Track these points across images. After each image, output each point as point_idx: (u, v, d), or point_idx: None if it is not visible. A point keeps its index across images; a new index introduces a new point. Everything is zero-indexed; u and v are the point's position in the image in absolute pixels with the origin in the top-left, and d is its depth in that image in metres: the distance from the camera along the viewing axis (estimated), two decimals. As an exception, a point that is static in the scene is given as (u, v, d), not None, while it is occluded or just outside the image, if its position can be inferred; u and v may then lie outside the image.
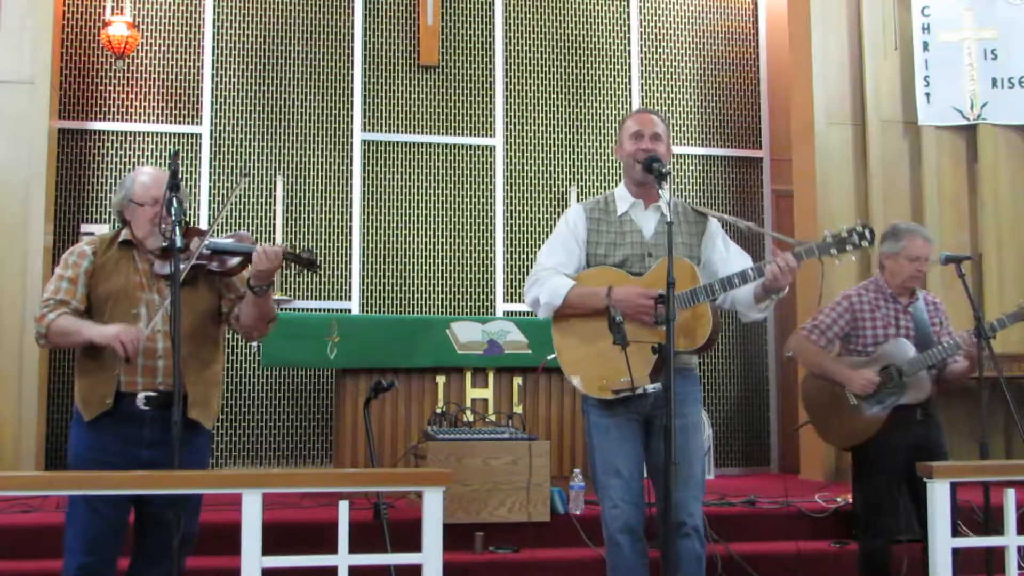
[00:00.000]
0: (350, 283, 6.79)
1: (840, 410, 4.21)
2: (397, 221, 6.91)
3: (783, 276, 3.26)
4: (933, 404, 4.19)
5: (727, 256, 3.51)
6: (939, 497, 2.74)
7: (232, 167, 6.72)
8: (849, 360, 4.25)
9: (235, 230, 6.02)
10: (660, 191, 3.26)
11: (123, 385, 3.16)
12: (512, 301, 6.97)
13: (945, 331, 4.27)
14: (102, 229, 6.24)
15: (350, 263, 6.80)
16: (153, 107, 6.70)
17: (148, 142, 6.66)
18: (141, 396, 3.17)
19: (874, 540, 4.14)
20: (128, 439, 3.15)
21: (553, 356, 3.51)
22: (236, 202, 6.69)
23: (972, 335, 4.05)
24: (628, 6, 7.36)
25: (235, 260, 3.29)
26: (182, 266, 3.14)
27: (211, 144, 6.72)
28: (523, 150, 7.12)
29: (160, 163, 6.61)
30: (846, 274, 6.46)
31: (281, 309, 6.55)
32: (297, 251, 3.35)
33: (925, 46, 6.73)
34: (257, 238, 6.60)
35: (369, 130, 6.93)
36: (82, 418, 3.21)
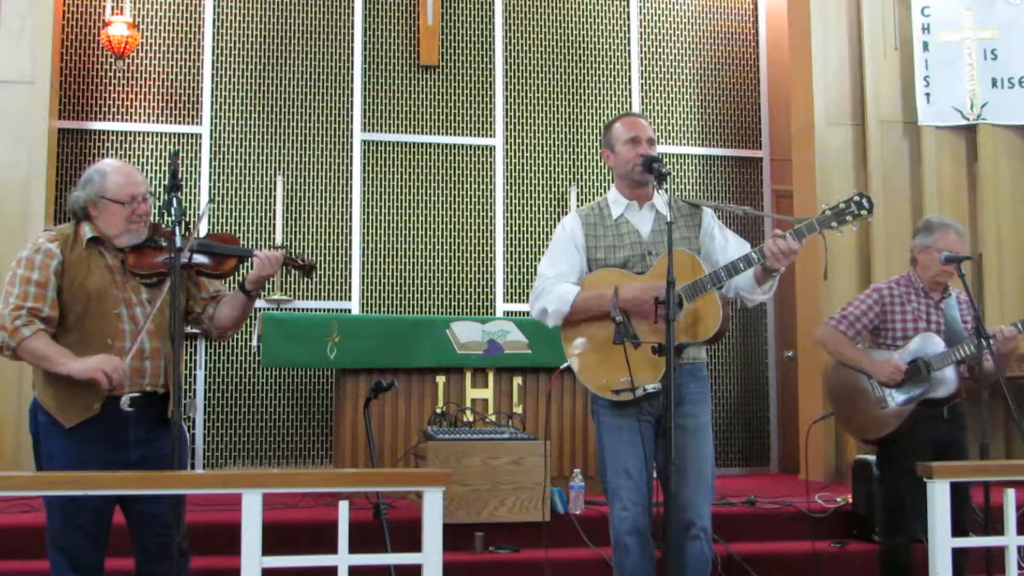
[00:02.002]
0: (350, 283, 6.79)
1: (865, 401, 4.20)
2: (397, 221, 6.91)
3: (786, 255, 3.23)
4: (960, 403, 4.18)
5: (725, 245, 3.49)
6: (939, 497, 2.74)
7: (232, 167, 6.72)
8: (877, 352, 4.26)
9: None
10: (660, 191, 3.26)
11: (109, 389, 3.09)
12: (512, 301, 6.96)
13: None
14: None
15: (350, 263, 6.80)
16: (153, 107, 6.70)
17: (148, 142, 6.66)
18: (126, 398, 3.12)
19: (895, 539, 4.12)
20: (114, 443, 3.11)
21: (566, 364, 3.50)
22: (236, 202, 6.69)
23: (1007, 328, 4.04)
24: (628, 6, 7.35)
25: (231, 261, 3.30)
26: (160, 259, 3.16)
27: (211, 144, 6.71)
28: (523, 150, 7.12)
29: (160, 163, 6.62)
30: (846, 266, 6.47)
31: (281, 309, 6.55)
32: (294, 256, 3.37)
33: (925, 46, 6.73)
34: (257, 238, 6.65)
35: (369, 130, 6.93)
36: (58, 426, 3.09)
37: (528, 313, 6.57)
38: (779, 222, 3.60)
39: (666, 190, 3.22)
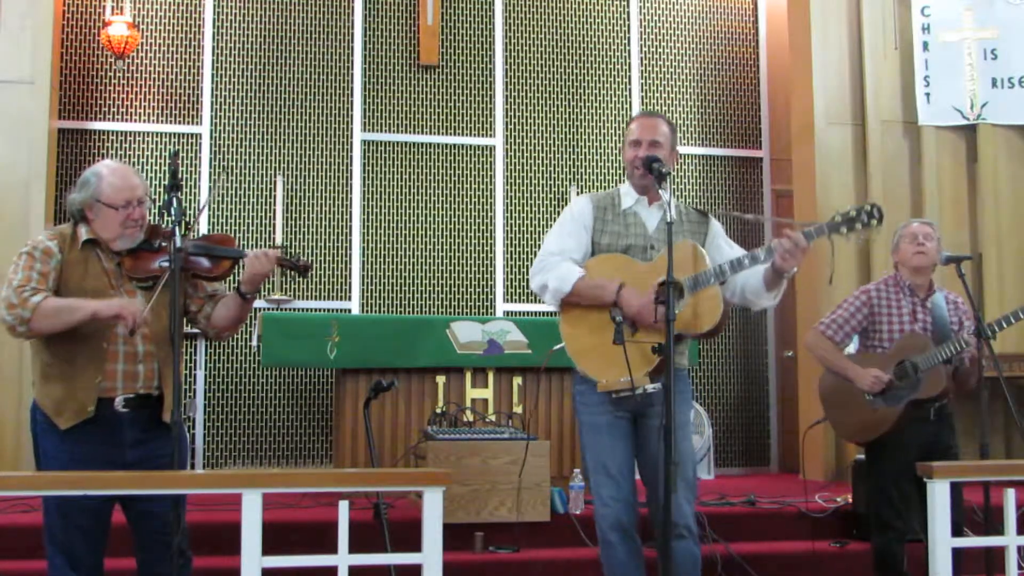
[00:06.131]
0: (350, 283, 6.79)
1: (856, 404, 4.22)
2: (397, 221, 6.91)
3: (793, 255, 3.24)
4: (947, 403, 4.21)
5: (731, 255, 3.50)
6: (939, 497, 2.74)
7: (232, 167, 6.72)
8: (864, 356, 4.27)
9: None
10: (660, 191, 3.27)
11: (103, 391, 3.11)
12: (512, 301, 6.96)
13: (965, 330, 4.29)
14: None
15: (350, 263, 6.80)
16: (153, 107, 6.70)
17: (148, 142, 6.65)
18: (120, 399, 3.13)
19: (884, 538, 4.14)
20: (109, 444, 3.11)
21: (560, 345, 3.50)
22: (236, 202, 6.69)
23: (972, 335, 4.06)
24: (628, 6, 7.35)
25: (227, 263, 3.30)
26: (164, 263, 3.15)
27: (211, 144, 6.71)
28: (523, 150, 7.12)
29: (160, 163, 6.62)
30: (847, 265, 6.47)
31: (281, 309, 6.55)
32: (290, 256, 3.37)
33: (925, 46, 6.73)
34: (257, 238, 6.65)
35: (369, 130, 6.92)
36: (54, 427, 3.10)
37: (528, 313, 6.62)
38: (787, 225, 3.64)
39: (666, 190, 3.22)
